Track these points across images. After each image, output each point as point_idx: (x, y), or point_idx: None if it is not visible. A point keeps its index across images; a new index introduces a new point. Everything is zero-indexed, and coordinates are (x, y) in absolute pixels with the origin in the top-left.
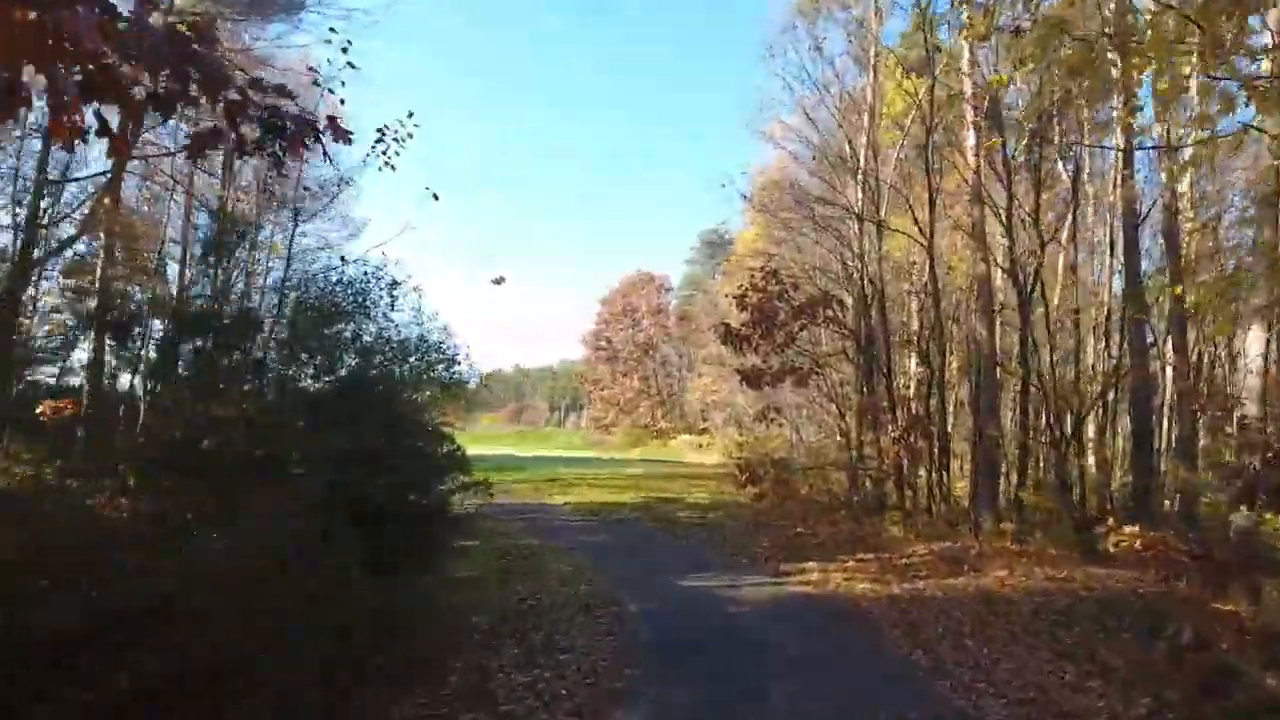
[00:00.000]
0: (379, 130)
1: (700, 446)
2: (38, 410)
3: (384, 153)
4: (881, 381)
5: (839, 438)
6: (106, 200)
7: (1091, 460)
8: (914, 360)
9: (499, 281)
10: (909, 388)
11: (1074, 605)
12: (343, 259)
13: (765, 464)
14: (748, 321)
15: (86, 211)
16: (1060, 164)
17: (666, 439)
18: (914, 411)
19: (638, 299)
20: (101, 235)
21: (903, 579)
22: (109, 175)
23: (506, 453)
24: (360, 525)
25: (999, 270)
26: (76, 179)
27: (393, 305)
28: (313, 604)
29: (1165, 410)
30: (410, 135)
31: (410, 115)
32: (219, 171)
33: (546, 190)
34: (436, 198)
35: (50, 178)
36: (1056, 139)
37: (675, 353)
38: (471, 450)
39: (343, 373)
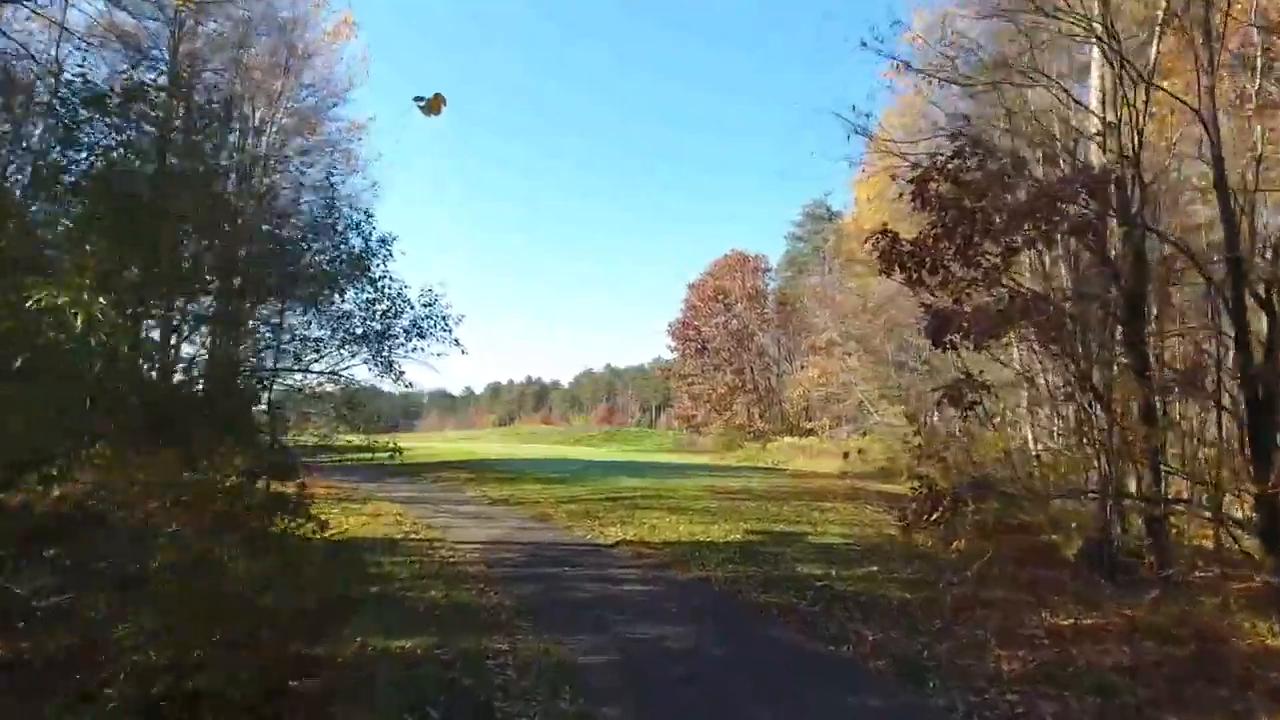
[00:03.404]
0: None
1: (848, 452)
2: None
3: None
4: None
5: (1076, 439)
6: None
7: None
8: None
9: (431, 110)
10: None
11: None
12: None
13: (960, 490)
14: (928, 231)
15: None
16: None
17: (765, 441)
18: None
19: (730, 282)
20: None
21: None
22: None
23: (563, 457)
24: None
25: None
26: None
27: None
28: None
29: None
30: None
31: None
32: None
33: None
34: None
35: None
36: None
37: (774, 343)
38: (516, 455)
39: None
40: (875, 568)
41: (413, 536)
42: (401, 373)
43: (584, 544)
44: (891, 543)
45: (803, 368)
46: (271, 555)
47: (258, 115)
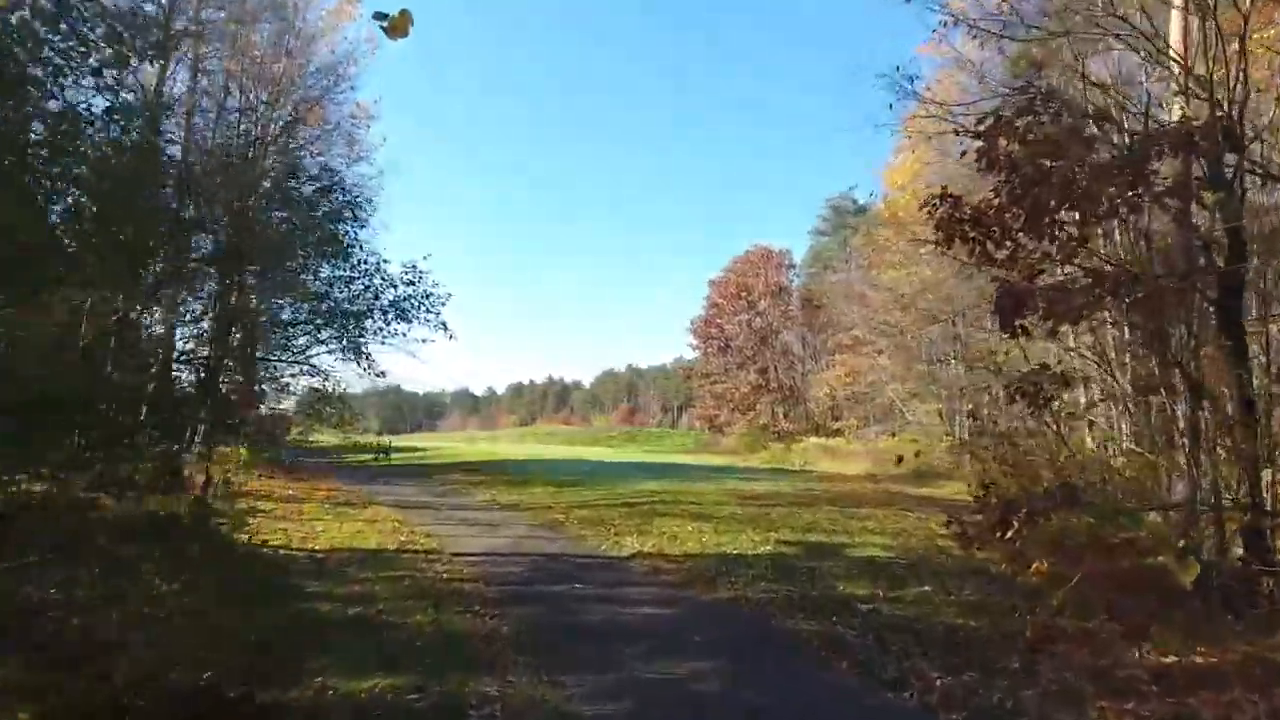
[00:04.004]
0: None
1: (901, 456)
2: None
3: None
4: None
5: (1153, 440)
6: None
7: None
8: None
9: (395, 31)
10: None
11: None
12: None
13: (1037, 500)
14: (990, 199)
15: None
16: None
17: (790, 442)
18: None
19: (753, 278)
20: None
21: None
22: None
23: (580, 458)
24: None
25: None
26: None
27: None
28: None
29: None
30: None
31: None
32: None
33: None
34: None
35: None
36: None
37: (798, 341)
38: (532, 455)
39: None
40: (928, 587)
41: (408, 547)
42: (368, 358)
43: (596, 556)
44: (940, 556)
45: (829, 366)
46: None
47: (261, 98)
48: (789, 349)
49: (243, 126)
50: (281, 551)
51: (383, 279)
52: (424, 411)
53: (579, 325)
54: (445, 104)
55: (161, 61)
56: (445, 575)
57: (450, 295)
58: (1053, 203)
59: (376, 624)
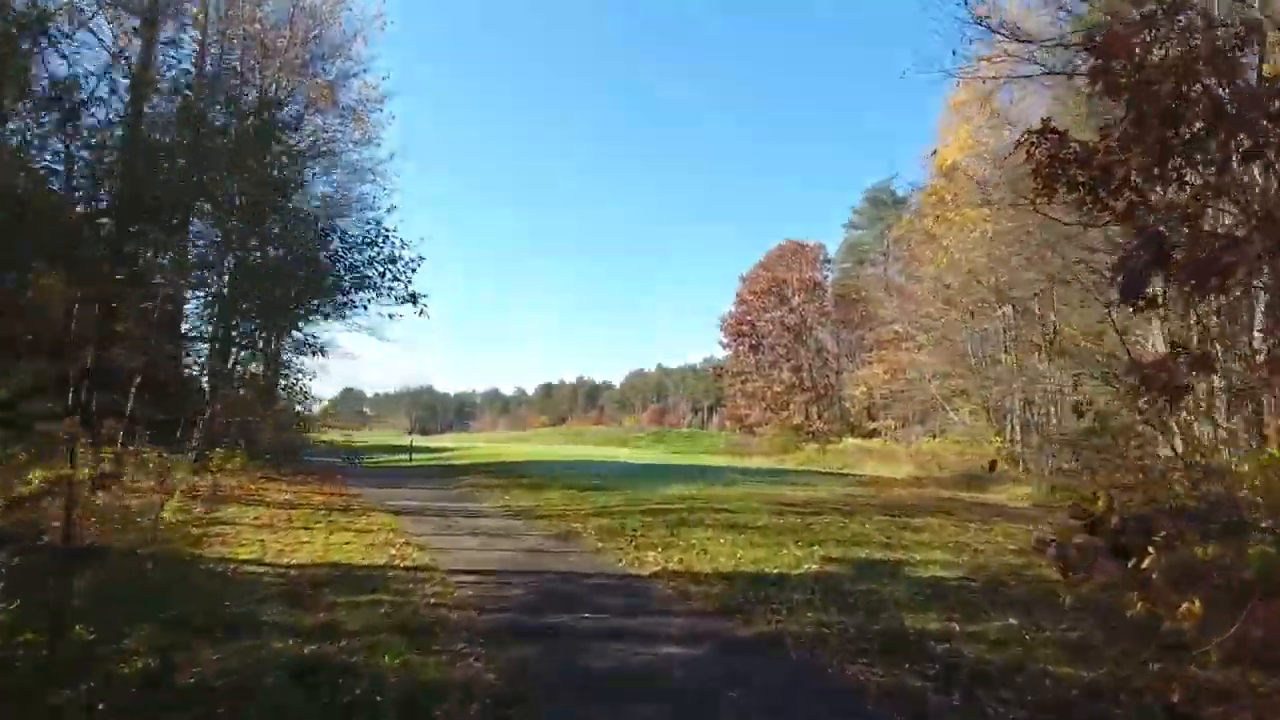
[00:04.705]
0: None
1: (994, 462)
2: None
3: None
4: None
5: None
6: None
7: None
8: None
9: None
10: None
11: None
12: None
13: (1172, 518)
14: (1098, 141)
15: None
16: None
17: (825, 443)
18: None
19: (786, 273)
20: None
21: None
22: None
23: (604, 459)
24: None
25: None
26: None
27: None
28: None
29: None
30: None
31: None
32: None
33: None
34: None
35: None
36: None
37: (832, 338)
38: (556, 456)
39: None
40: (1013, 619)
41: (398, 563)
42: (295, 331)
43: (613, 575)
44: (1014, 577)
45: (866, 364)
46: None
47: (258, 74)
48: (823, 346)
49: (244, 100)
50: (250, 568)
51: (343, 241)
52: (455, 412)
53: (608, 325)
54: (466, 95)
55: (148, 30)
56: (433, 600)
57: (422, 259)
58: (1190, 138)
59: (333, 668)
